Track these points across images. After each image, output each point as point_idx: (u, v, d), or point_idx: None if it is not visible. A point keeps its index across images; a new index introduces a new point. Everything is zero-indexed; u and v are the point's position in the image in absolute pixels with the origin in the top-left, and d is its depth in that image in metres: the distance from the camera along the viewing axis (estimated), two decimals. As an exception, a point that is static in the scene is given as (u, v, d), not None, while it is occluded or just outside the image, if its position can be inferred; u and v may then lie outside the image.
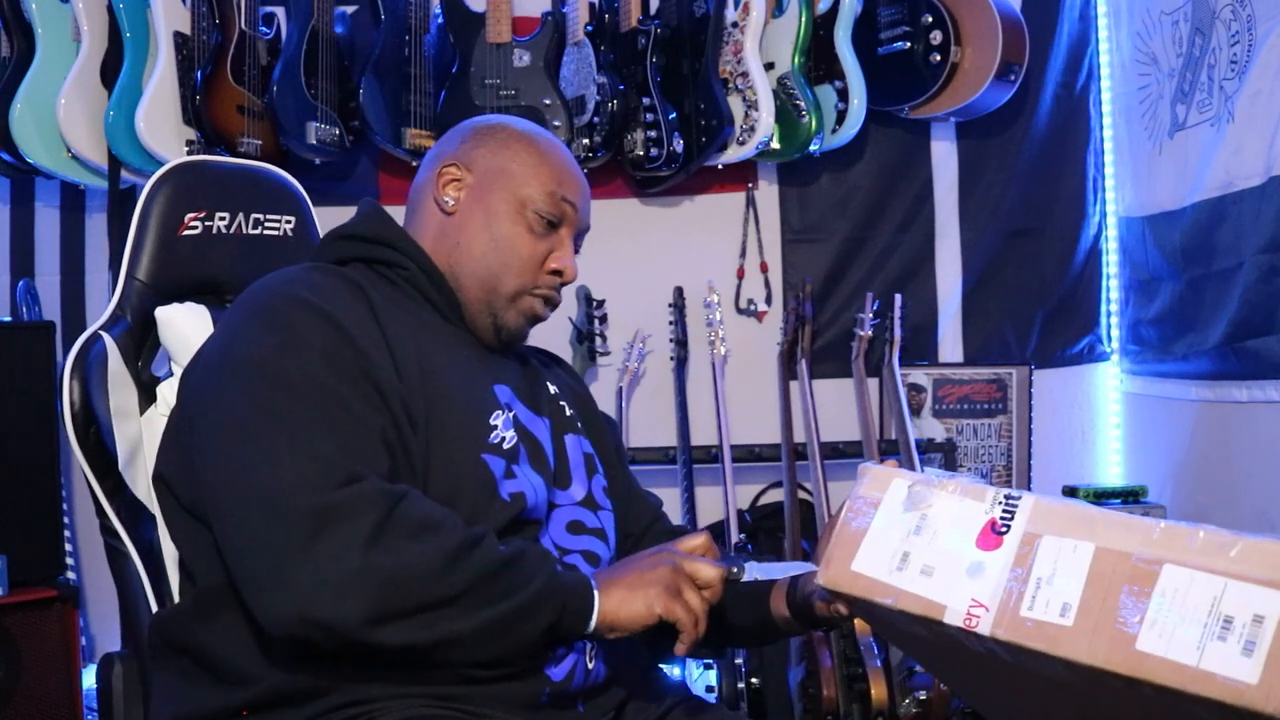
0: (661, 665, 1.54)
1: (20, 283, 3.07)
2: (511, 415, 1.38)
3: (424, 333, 1.35)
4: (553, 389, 1.54)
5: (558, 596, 1.20)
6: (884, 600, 1.11)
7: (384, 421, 1.23)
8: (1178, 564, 0.97)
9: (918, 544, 1.12)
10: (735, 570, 1.30)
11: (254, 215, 1.62)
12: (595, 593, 1.22)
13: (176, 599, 1.42)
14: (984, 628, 1.04)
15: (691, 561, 1.27)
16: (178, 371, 1.49)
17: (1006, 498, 1.09)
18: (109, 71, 3.01)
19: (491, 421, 1.34)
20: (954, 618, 1.06)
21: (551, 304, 1.46)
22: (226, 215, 1.59)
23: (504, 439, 1.34)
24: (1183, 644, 0.94)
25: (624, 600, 1.22)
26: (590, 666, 1.32)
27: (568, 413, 1.53)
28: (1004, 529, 1.08)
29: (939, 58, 3.01)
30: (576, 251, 1.48)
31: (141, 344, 1.52)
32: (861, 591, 1.13)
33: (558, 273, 1.44)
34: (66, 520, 2.75)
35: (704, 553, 1.30)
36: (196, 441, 1.23)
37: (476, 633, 1.15)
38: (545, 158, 1.45)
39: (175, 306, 1.52)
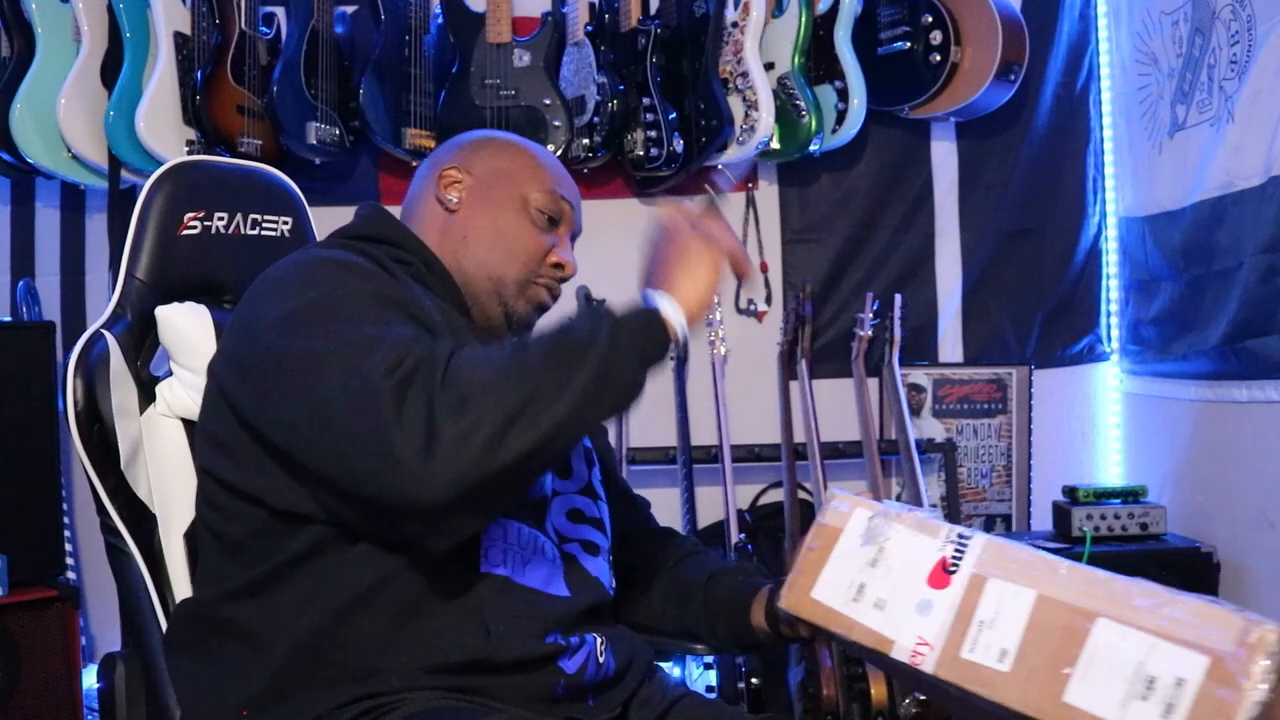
0: (661, 664, 1.55)
1: (20, 283, 3.07)
2: None
3: (443, 316, 1.37)
4: None
5: (631, 324, 1.17)
6: (838, 630, 1.17)
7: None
8: (1112, 619, 1.00)
9: (874, 576, 1.16)
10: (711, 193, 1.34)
11: (252, 216, 1.62)
12: (658, 298, 1.20)
13: (191, 590, 1.42)
14: (928, 666, 1.08)
15: (683, 210, 1.30)
16: (177, 370, 1.49)
17: (959, 536, 1.13)
18: (109, 71, 3.00)
19: None
20: (901, 653, 1.10)
21: (555, 296, 1.50)
22: (225, 215, 1.59)
23: None
24: (1107, 700, 0.96)
25: (692, 282, 1.22)
26: (601, 661, 1.35)
27: None
28: (954, 568, 1.11)
29: (939, 58, 3.02)
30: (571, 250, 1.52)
31: (141, 343, 1.52)
32: (819, 619, 1.18)
33: (559, 266, 1.48)
34: (66, 520, 2.75)
35: (676, 209, 1.32)
36: (267, 404, 1.21)
37: (583, 399, 1.12)
38: (541, 161, 1.50)
39: (175, 306, 1.52)
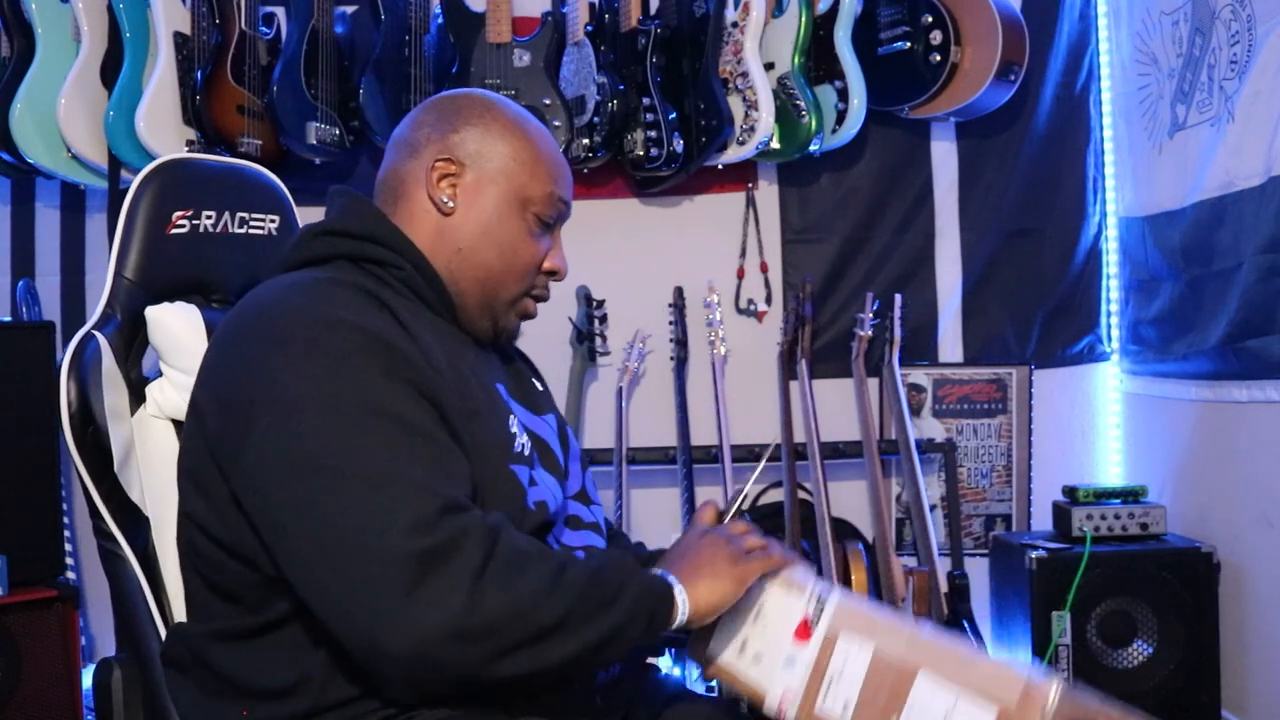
0: (660, 663, 1.55)
1: (20, 283, 3.07)
2: (515, 416, 1.36)
3: (438, 338, 1.31)
4: (539, 386, 1.54)
5: (649, 600, 1.19)
6: (726, 681, 1.28)
7: (451, 438, 1.21)
8: (929, 671, 1.13)
9: (754, 631, 1.27)
10: (740, 502, 1.39)
11: (239, 214, 1.60)
12: (676, 588, 1.22)
13: (184, 611, 1.39)
14: (789, 717, 1.22)
15: (730, 526, 1.33)
16: (167, 371, 1.48)
17: (820, 595, 1.25)
18: (109, 71, 3.01)
19: (511, 429, 1.33)
20: (770, 706, 1.23)
21: (545, 300, 1.46)
22: (213, 214, 1.57)
23: (523, 445, 1.33)
24: None
25: (712, 589, 1.23)
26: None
27: (555, 407, 1.54)
28: (814, 626, 1.24)
29: (939, 58, 3.01)
30: None
31: (131, 343, 1.51)
32: (713, 670, 1.29)
33: (552, 272, 1.44)
34: (66, 520, 2.75)
35: (715, 514, 1.39)
36: (256, 485, 1.16)
37: (584, 650, 1.14)
38: (539, 153, 1.41)
39: (165, 306, 1.50)
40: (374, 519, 1.09)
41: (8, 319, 3.06)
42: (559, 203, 1.41)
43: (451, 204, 1.37)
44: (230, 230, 1.60)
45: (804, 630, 1.23)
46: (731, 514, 1.35)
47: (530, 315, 1.45)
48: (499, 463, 1.27)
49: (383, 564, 1.08)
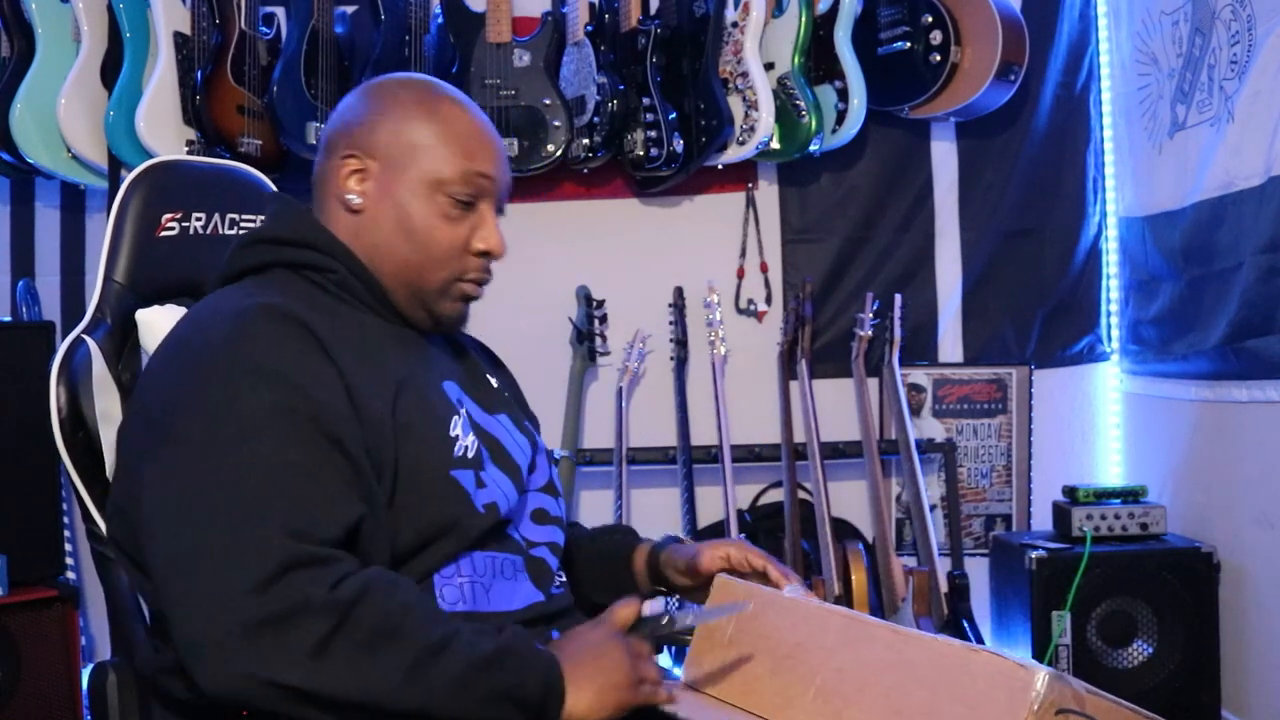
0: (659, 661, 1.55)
1: (20, 283, 3.07)
2: (465, 414, 1.34)
3: (371, 346, 1.29)
4: (494, 381, 1.49)
5: (522, 699, 1.13)
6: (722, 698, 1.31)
7: (348, 473, 1.17)
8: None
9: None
10: (665, 622, 1.30)
11: (229, 215, 1.59)
12: (563, 685, 1.16)
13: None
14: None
15: (637, 644, 1.24)
16: None
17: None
18: (109, 71, 3.01)
19: (452, 432, 1.29)
20: None
21: (480, 284, 1.38)
22: (203, 216, 1.56)
23: (466, 448, 1.30)
24: None
25: (595, 704, 1.17)
26: None
27: (512, 403, 1.50)
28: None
29: (939, 58, 3.01)
30: (500, 213, 1.39)
31: (122, 347, 1.50)
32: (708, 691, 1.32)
33: (485, 253, 1.35)
34: (66, 520, 2.75)
35: (634, 615, 1.27)
36: (140, 516, 1.16)
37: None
38: (450, 131, 1.33)
39: (156, 309, 1.50)
40: (216, 578, 1.07)
41: (8, 319, 3.06)
42: (477, 178, 1.33)
43: (359, 200, 1.33)
44: (221, 232, 1.58)
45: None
46: (650, 631, 1.28)
47: (470, 298, 1.38)
48: (437, 473, 1.25)
49: (224, 617, 1.05)
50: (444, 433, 1.29)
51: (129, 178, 1.52)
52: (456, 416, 1.32)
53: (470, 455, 1.30)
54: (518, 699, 1.13)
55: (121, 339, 1.50)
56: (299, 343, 1.21)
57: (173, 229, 1.54)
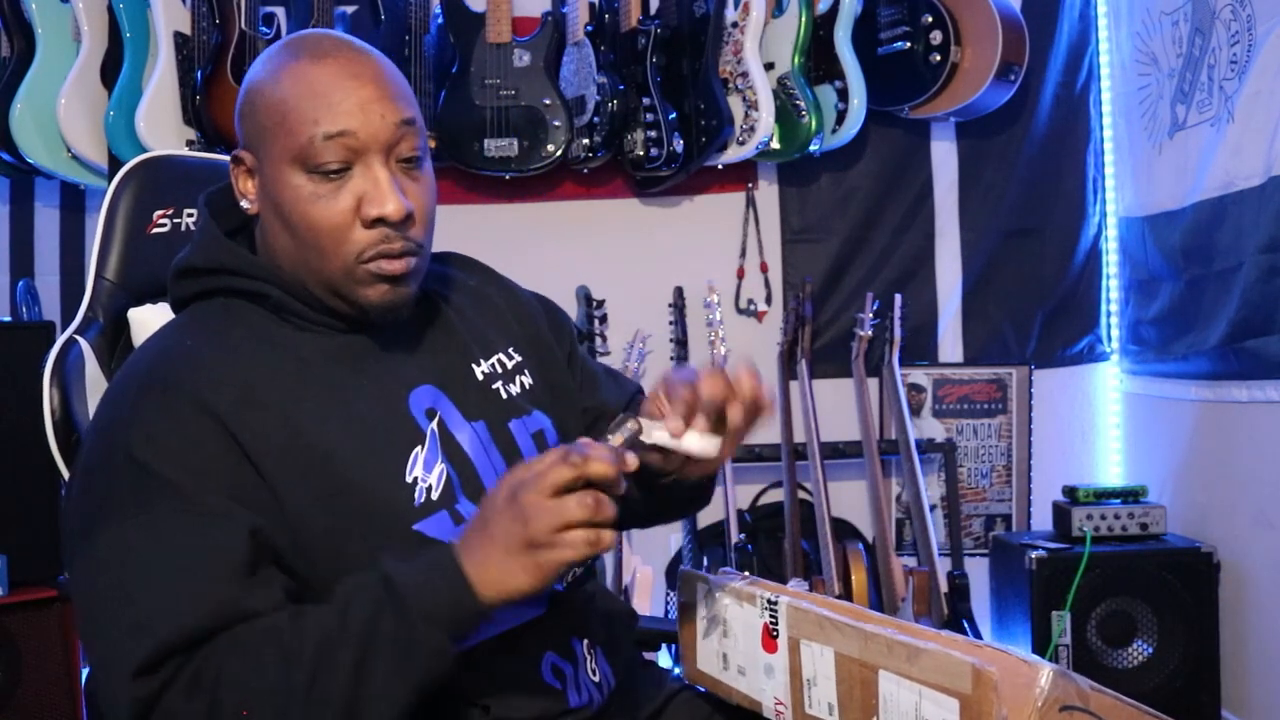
0: (658, 659, 1.54)
1: (20, 283, 3.07)
2: (434, 433, 1.21)
3: (304, 384, 1.17)
4: (480, 370, 1.30)
5: (436, 620, 1.03)
6: (724, 695, 1.27)
7: (245, 555, 1.07)
8: (887, 671, 1.09)
9: (729, 646, 1.26)
10: (629, 425, 1.11)
11: None
12: (466, 578, 1.03)
13: None
14: None
15: (563, 464, 1.02)
16: None
17: (770, 602, 1.21)
18: (109, 71, 3.01)
19: (409, 476, 1.16)
20: (769, 713, 1.22)
21: (398, 255, 1.17)
22: (195, 212, 1.54)
23: (429, 488, 1.17)
24: None
25: (502, 576, 1.02)
26: (596, 679, 1.28)
27: (511, 387, 1.31)
28: (775, 633, 1.20)
29: (939, 58, 3.02)
30: (415, 164, 1.19)
31: (114, 346, 1.47)
32: (710, 686, 1.28)
33: (380, 220, 1.15)
34: (66, 520, 2.75)
35: (555, 461, 1.03)
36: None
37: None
38: (294, 92, 1.15)
39: (149, 308, 1.46)
40: (106, 657, 1.07)
41: (7, 319, 3.06)
42: (335, 141, 1.13)
43: (251, 205, 1.22)
44: None
45: (769, 638, 1.19)
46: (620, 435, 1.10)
47: (389, 276, 1.17)
48: (394, 529, 1.14)
49: (110, 693, 1.05)
50: (398, 479, 1.16)
51: (119, 175, 1.50)
52: (418, 448, 1.18)
53: (436, 496, 1.17)
54: (433, 627, 1.02)
55: (114, 338, 1.47)
56: (182, 427, 1.11)
57: (164, 226, 1.50)
